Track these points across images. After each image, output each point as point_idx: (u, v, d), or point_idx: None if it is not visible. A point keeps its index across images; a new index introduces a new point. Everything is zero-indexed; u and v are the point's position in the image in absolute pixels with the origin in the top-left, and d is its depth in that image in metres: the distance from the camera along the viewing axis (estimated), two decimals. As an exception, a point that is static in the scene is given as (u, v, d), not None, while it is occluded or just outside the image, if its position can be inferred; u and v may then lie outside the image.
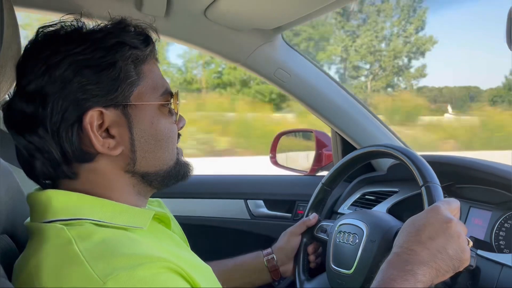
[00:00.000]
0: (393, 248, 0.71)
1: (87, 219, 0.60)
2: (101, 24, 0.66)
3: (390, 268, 0.67)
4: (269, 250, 1.05)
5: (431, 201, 0.78)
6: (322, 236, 1.04)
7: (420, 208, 1.14)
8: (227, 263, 1.02)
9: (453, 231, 0.69)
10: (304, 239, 1.06)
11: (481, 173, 1.03)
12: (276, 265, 1.03)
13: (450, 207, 0.73)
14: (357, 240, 0.89)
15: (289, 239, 1.05)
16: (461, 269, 0.69)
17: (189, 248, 0.76)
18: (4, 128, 0.67)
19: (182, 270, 0.56)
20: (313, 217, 1.07)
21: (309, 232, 1.07)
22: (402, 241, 0.70)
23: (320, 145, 1.57)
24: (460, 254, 0.68)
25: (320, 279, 1.01)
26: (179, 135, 0.73)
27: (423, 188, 0.81)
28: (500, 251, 0.94)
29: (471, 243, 0.72)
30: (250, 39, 1.16)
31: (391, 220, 0.90)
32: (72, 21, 0.65)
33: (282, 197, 1.50)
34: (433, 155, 1.13)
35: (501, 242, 0.96)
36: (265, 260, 1.03)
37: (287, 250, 1.04)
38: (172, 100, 0.70)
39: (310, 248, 1.07)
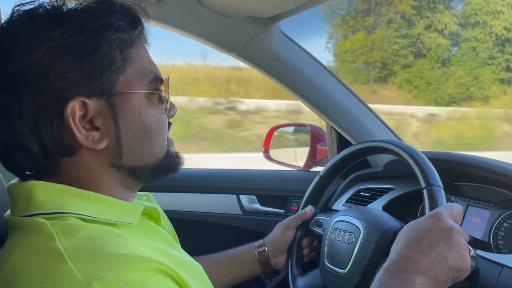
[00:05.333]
0: (391, 254, 0.67)
1: (71, 213, 0.56)
2: (84, 3, 0.60)
3: (387, 276, 0.64)
4: (260, 242, 1.03)
5: (433, 206, 0.75)
6: (317, 230, 1.01)
7: (416, 205, 1.14)
8: (216, 257, 1.00)
9: (454, 240, 0.65)
10: (299, 233, 1.04)
11: (480, 170, 1.01)
12: (268, 258, 1.01)
13: (453, 213, 0.70)
14: (353, 239, 0.87)
15: (283, 232, 1.02)
16: (460, 279, 0.66)
17: (179, 245, 0.73)
18: None
19: (172, 271, 0.52)
20: (309, 210, 1.04)
21: (304, 225, 1.04)
22: (400, 248, 0.66)
23: (315, 140, 1.54)
24: (460, 264, 0.65)
25: (313, 275, 0.98)
26: (169, 124, 0.69)
27: (425, 191, 0.78)
28: (499, 251, 0.92)
29: (472, 252, 0.69)
30: (246, 28, 1.12)
31: (389, 220, 0.87)
32: None
33: (275, 193, 1.48)
34: (430, 152, 1.10)
35: (499, 242, 0.94)
36: (256, 252, 1.01)
37: (280, 243, 1.02)
38: (162, 87, 0.66)
39: (305, 242, 1.04)
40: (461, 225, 0.71)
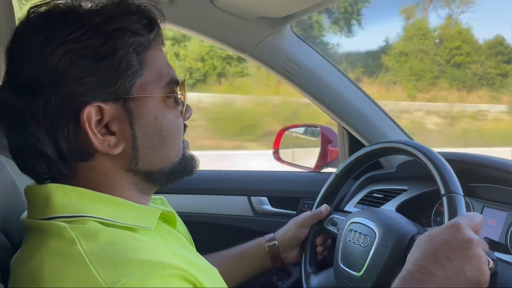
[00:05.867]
0: (407, 264, 0.66)
1: (91, 217, 0.55)
2: (99, 4, 0.59)
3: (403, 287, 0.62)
4: (271, 236, 1.03)
5: (453, 215, 0.73)
6: (332, 229, 1.01)
7: (430, 206, 1.13)
8: (226, 253, 1.00)
9: (473, 252, 0.63)
10: (313, 230, 1.03)
11: (496, 171, 1.00)
12: (278, 252, 1.01)
13: (472, 223, 0.67)
14: (368, 242, 0.85)
15: (296, 230, 1.02)
16: None
17: (195, 249, 0.72)
18: None
19: (192, 277, 0.52)
20: (325, 209, 1.03)
21: (319, 223, 1.04)
22: (417, 258, 0.65)
23: (326, 140, 1.53)
24: (479, 277, 0.63)
25: (326, 274, 0.98)
26: (185, 126, 0.68)
27: (445, 198, 0.76)
28: (516, 253, 0.91)
29: (491, 263, 0.67)
30: (258, 29, 1.11)
31: (405, 224, 0.85)
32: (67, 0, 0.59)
33: (287, 194, 1.47)
34: (445, 152, 1.09)
35: (517, 244, 0.92)
36: (266, 246, 1.01)
37: (292, 239, 1.02)
38: (178, 90, 0.65)
39: (318, 240, 1.04)
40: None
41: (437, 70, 12.99)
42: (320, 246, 1.03)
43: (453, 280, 0.61)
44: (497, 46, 13.29)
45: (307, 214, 1.05)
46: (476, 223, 0.68)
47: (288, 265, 1.14)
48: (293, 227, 1.03)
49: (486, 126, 11.22)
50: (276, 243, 1.01)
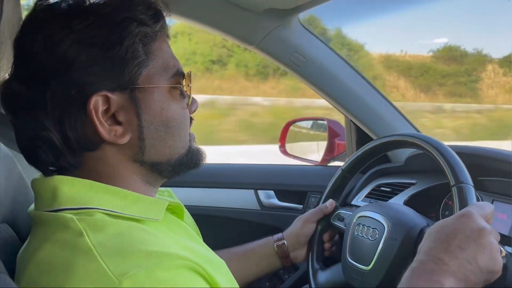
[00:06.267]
0: (418, 254, 0.65)
1: (98, 209, 0.56)
2: None
3: (414, 278, 0.62)
4: (279, 235, 1.01)
5: (463, 204, 0.72)
6: (339, 224, 1.00)
7: (439, 200, 1.12)
8: (235, 251, 0.99)
9: (485, 240, 0.63)
10: (320, 226, 1.02)
11: (506, 164, 0.99)
12: (287, 251, 0.99)
13: (484, 212, 0.67)
14: (377, 236, 0.85)
15: (303, 225, 1.01)
16: (491, 282, 0.64)
17: (202, 241, 0.72)
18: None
19: (200, 268, 0.52)
20: (330, 204, 1.02)
21: (325, 219, 1.03)
22: (429, 248, 0.64)
23: (333, 134, 1.52)
24: (492, 266, 0.63)
25: (334, 270, 0.97)
26: (191, 119, 0.68)
27: (454, 189, 0.75)
28: (526, 247, 0.90)
29: (503, 253, 0.67)
30: (265, 21, 1.10)
31: (414, 217, 0.85)
32: None
33: (293, 188, 1.46)
34: (454, 146, 1.08)
35: (527, 238, 0.91)
36: (275, 246, 0.99)
37: (300, 236, 1.00)
38: (184, 82, 0.65)
39: (326, 236, 1.03)
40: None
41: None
42: (327, 242, 1.03)
43: (466, 269, 0.61)
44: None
45: (313, 209, 1.04)
46: (487, 212, 0.68)
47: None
48: (299, 223, 1.02)
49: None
50: (285, 242, 1.00)
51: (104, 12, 0.58)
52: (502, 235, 0.93)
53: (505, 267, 0.74)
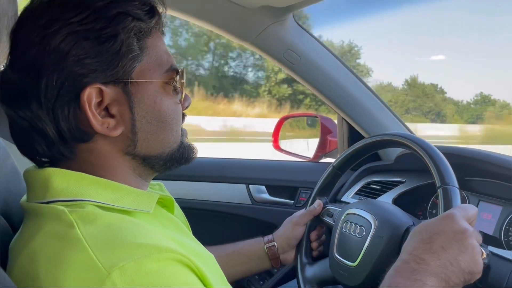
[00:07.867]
0: (402, 254, 0.67)
1: (89, 201, 0.56)
2: None
3: (397, 276, 0.63)
4: (270, 237, 1.02)
5: (448, 206, 0.74)
6: (328, 220, 1.01)
7: (426, 199, 1.14)
8: (226, 248, 1.00)
9: (467, 242, 0.65)
10: (309, 222, 1.03)
11: (493, 166, 1.00)
12: (277, 253, 1.00)
13: (467, 214, 0.68)
14: (364, 233, 0.86)
15: (293, 229, 1.02)
16: (471, 282, 0.66)
17: (192, 235, 0.73)
18: None
19: (189, 261, 0.52)
20: (318, 204, 1.03)
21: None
22: (412, 248, 0.66)
23: (325, 131, 1.53)
24: (473, 267, 0.64)
25: (321, 265, 0.99)
26: (184, 115, 0.69)
27: (440, 190, 0.77)
28: (509, 247, 0.92)
29: (484, 255, 0.68)
30: (260, 18, 1.11)
31: (401, 215, 0.86)
32: None
33: (285, 183, 1.48)
34: (442, 146, 1.09)
35: (511, 238, 0.93)
36: (265, 247, 1.00)
37: (290, 239, 1.01)
38: (177, 78, 0.65)
39: (313, 235, 1.04)
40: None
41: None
42: (315, 242, 1.03)
43: (447, 269, 0.63)
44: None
45: (302, 212, 1.05)
46: (470, 214, 0.69)
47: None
48: (289, 226, 1.02)
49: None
50: (275, 244, 1.00)
51: (99, 5, 0.58)
52: (486, 235, 0.95)
53: (487, 267, 0.76)
